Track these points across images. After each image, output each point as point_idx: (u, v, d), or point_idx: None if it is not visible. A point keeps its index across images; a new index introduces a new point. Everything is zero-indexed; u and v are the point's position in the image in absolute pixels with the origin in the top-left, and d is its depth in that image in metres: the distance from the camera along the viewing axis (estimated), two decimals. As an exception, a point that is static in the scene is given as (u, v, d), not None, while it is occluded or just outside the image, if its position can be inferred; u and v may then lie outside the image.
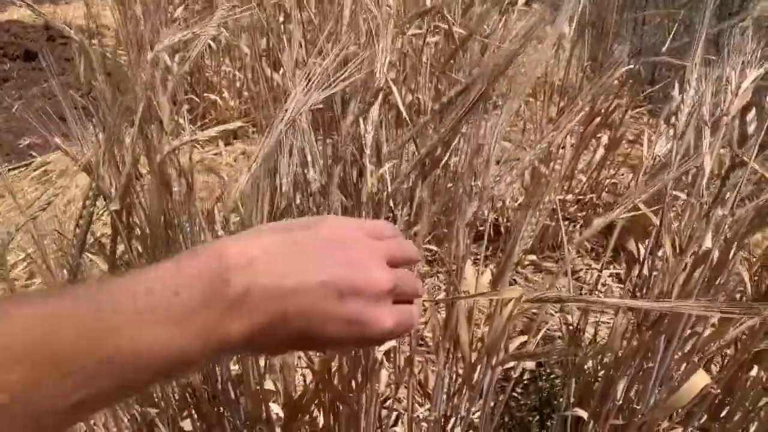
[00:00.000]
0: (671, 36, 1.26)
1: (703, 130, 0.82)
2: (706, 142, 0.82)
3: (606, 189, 1.68)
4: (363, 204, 0.64)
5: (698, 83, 0.87)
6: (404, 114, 0.98)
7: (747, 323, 0.78)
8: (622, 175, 1.90)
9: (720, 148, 0.83)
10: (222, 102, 2.04)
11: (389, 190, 0.69)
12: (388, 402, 1.00)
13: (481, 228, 1.66)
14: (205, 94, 2.08)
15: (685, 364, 0.82)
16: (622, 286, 1.53)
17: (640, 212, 0.90)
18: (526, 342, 0.94)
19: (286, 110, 0.56)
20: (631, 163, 1.86)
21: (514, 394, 1.24)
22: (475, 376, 0.73)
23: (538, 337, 1.10)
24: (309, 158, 0.76)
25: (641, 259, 0.91)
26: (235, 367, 0.89)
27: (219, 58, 2.08)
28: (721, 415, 0.96)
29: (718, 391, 0.84)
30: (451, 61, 1.11)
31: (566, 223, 1.71)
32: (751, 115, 0.87)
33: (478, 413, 0.82)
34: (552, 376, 1.25)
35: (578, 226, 1.68)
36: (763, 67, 0.84)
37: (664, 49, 1.25)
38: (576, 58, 1.52)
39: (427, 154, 0.71)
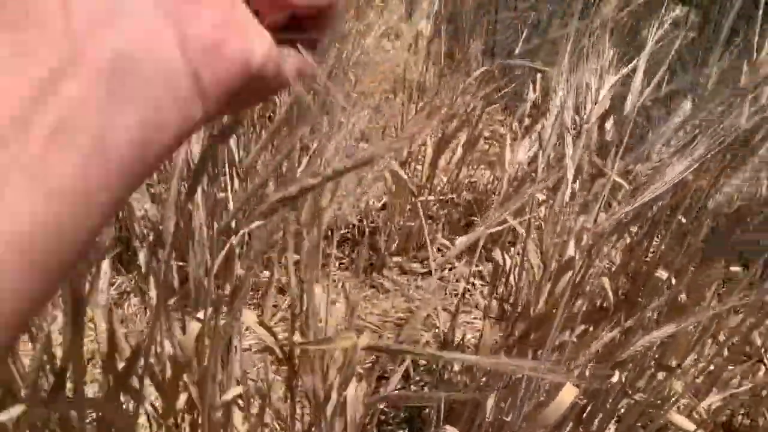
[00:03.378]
0: (523, 36, 1.27)
1: (566, 138, 0.81)
2: (569, 150, 0.81)
3: (466, 188, 1.69)
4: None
5: (563, 89, 0.86)
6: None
7: (609, 335, 0.78)
8: (481, 173, 1.92)
9: (581, 156, 0.83)
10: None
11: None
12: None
13: (345, 231, 1.60)
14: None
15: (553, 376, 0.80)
16: (486, 283, 1.54)
17: (507, 224, 0.88)
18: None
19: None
20: (488, 160, 1.88)
21: (383, 407, 1.19)
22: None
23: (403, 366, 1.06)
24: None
25: (507, 269, 0.89)
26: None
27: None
28: (583, 417, 0.97)
29: (585, 400, 0.84)
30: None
31: (429, 221, 1.69)
32: (610, 122, 0.88)
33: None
34: (421, 383, 1.22)
35: (440, 225, 1.67)
36: (619, 72, 0.84)
37: (517, 50, 1.25)
38: (433, 56, 1.50)
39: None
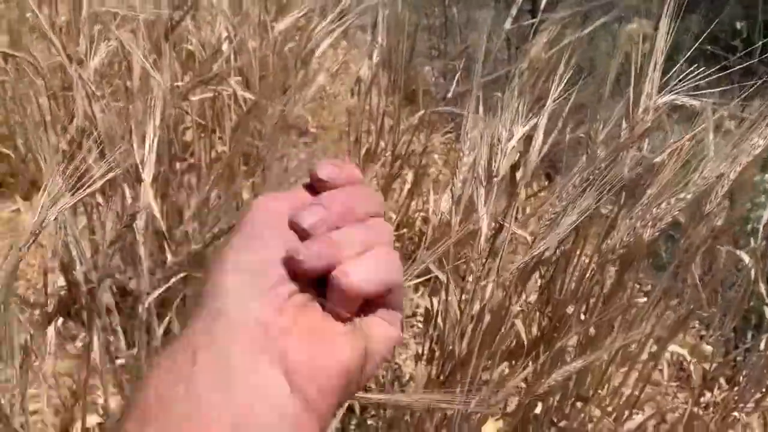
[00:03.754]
0: (455, 81, 1.34)
1: (477, 190, 0.87)
2: (481, 201, 0.86)
3: (419, 219, 1.75)
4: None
5: (476, 140, 0.91)
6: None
7: (528, 369, 0.84)
8: (435, 199, 1.99)
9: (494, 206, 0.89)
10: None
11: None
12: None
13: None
14: None
15: (478, 414, 0.87)
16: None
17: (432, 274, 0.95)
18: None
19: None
20: (439, 188, 1.95)
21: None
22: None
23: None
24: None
25: (434, 314, 0.95)
26: None
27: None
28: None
29: (510, 433, 0.91)
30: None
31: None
32: (520, 173, 0.95)
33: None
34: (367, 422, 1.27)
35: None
36: (528, 123, 0.90)
37: (449, 94, 1.32)
38: (374, 97, 1.56)
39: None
